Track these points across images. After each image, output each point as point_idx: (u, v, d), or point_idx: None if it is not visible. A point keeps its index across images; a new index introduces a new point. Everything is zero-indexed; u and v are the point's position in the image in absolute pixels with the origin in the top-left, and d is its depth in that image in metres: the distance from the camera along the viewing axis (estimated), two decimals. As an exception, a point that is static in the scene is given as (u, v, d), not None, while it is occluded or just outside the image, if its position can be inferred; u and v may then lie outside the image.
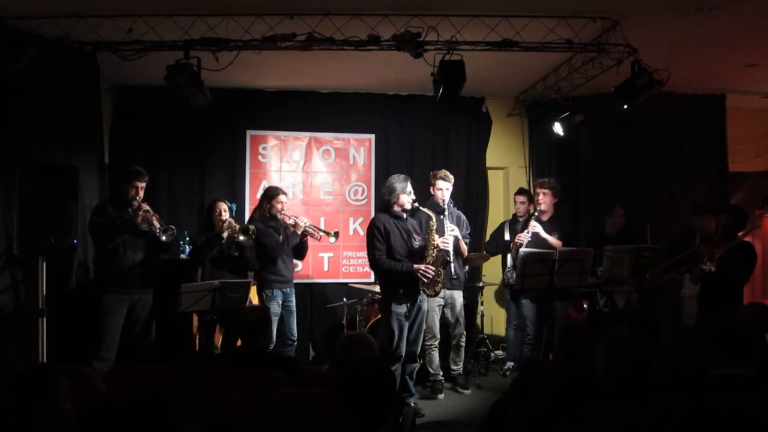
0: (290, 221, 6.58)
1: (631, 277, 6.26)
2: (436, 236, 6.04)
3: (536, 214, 6.98)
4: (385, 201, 6.03)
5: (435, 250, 5.96)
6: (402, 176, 6.04)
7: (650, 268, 6.18)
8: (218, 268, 6.45)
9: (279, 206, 6.60)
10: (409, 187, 5.96)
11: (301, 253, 6.87)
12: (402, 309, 5.87)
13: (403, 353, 5.90)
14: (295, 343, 6.72)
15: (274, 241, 6.47)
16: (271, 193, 6.67)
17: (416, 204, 6.01)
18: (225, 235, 6.40)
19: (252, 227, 6.34)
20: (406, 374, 6.00)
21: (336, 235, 6.85)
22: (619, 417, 2.92)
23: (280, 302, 6.55)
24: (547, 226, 6.91)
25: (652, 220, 7.63)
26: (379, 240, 5.86)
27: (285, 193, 6.78)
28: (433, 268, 5.85)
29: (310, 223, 6.85)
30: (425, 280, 5.83)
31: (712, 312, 6.00)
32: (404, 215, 5.99)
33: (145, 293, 6.07)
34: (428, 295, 6.05)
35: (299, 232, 6.56)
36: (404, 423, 3.98)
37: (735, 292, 6.04)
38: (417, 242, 5.98)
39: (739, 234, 5.99)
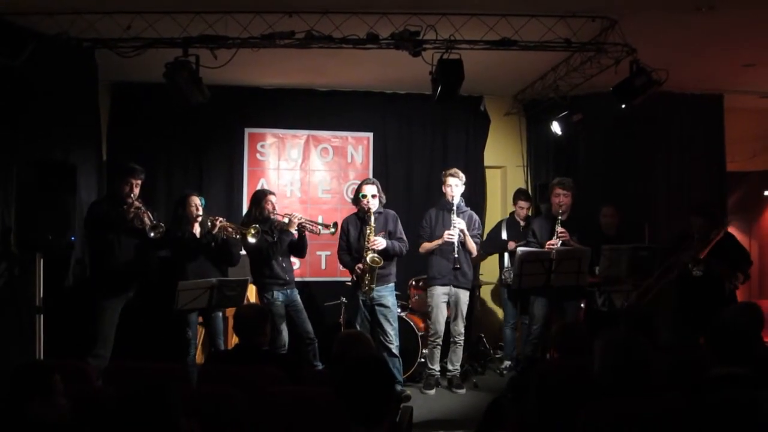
0: (284, 219, 6.55)
1: (630, 277, 6.27)
2: (373, 239, 6.29)
3: (560, 218, 6.65)
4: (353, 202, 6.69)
5: (368, 253, 6.26)
6: (365, 180, 6.64)
7: (647, 267, 6.21)
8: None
9: (269, 207, 6.54)
10: (365, 191, 6.41)
11: (301, 251, 6.77)
12: (354, 301, 6.55)
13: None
14: (315, 341, 6.62)
15: (265, 242, 6.42)
16: (259, 196, 6.64)
17: (371, 209, 6.37)
18: (197, 230, 6.31)
19: (258, 226, 6.29)
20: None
21: (335, 226, 6.71)
22: (617, 416, 2.92)
23: (283, 304, 6.49)
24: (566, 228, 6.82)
25: (649, 220, 7.64)
26: (342, 238, 6.64)
27: (273, 193, 6.75)
28: (361, 267, 6.32)
29: (303, 217, 6.74)
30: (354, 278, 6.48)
31: (693, 312, 6.08)
32: (365, 216, 6.39)
33: (141, 291, 6.06)
34: (362, 293, 6.42)
35: (293, 229, 6.45)
36: (401, 421, 3.98)
37: (720, 291, 6.10)
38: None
39: (711, 236, 6.03)
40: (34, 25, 5.55)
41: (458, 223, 6.58)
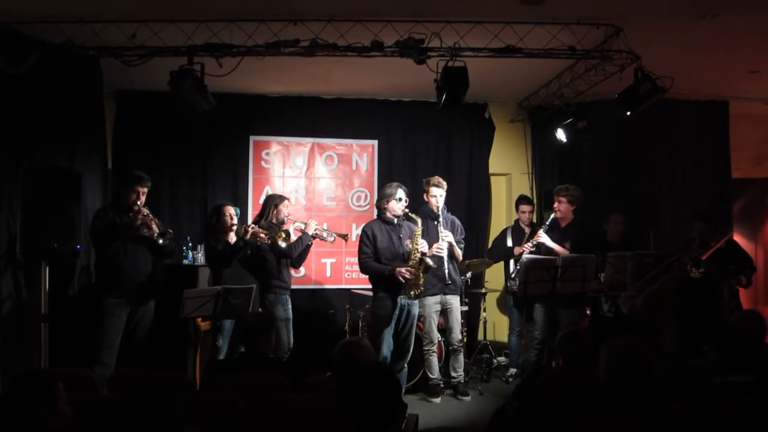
0: (295, 225, 6.62)
1: (634, 283, 6.26)
2: (420, 241, 6.19)
3: (547, 223, 6.84)
4: (378, 208, 6.43)
5: (418, 255, 6.12)
6: (395, 184, 6.37)
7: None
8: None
9: (285, 211, 6.65)
10: (400, 194, 6.24)
11: (300, 261, 6.86)
12: (384, 311, 6.19)
13: (385, 353, 6.13)
14: (289, 353, 6.56)
15: (287, 244, 6.49)
16: (277, 200, 6.72)
17: (407, 210, 6.24)
18: (232, 238, 6.40)
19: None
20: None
21: (345, 237, 6.86)
22: (621, 423, 2.91)
23: (283, 308, 6.53)
24: (563, 234, 6.87)
25: (654, 227, 7.62)
26: (366, 245, 6.27)
27: (288, 199, 6.88)
28: (412, 271, 6.08)
29: (319, 225, 6.90)
30: (403, 282, 6.10)
31: (690, 315, 6.09)
32: (395, 221, 6.26)
33: (147, 298, 6.06)
34: (409, 297, 6.20)
35: (309, 232, 6.57)
36: (407, 428, 3.96)
37: (714, 295, 6.12)
38: (407, 247, 6.22)
39: (711, 243, 6.04)
40: (39, 33, 5.58)
41: (446, 236, 6.46)
